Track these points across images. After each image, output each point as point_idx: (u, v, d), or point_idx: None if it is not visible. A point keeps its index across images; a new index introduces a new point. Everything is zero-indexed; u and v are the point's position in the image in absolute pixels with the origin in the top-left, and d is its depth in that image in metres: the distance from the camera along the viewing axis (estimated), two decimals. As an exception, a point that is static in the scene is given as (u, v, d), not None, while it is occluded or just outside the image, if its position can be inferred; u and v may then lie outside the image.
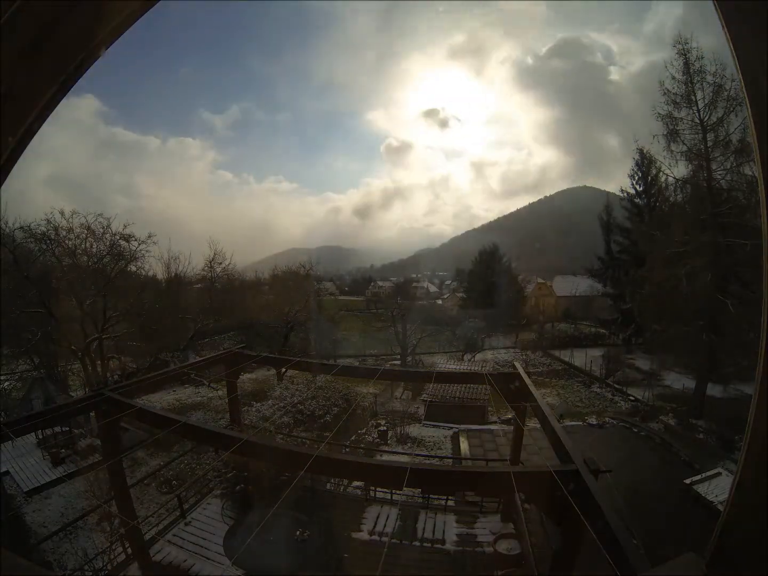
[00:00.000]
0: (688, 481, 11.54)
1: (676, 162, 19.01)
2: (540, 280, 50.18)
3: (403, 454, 14.21)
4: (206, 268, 27.92)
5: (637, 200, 30.08)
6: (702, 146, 18.01)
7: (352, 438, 15.21)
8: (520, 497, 5.42)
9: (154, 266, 26.14)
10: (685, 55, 18.33)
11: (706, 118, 17.82)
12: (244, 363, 8.56)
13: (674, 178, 19.61)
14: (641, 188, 29.86)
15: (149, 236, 22.82)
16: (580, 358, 29.37)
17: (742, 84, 0.90)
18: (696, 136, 18.17)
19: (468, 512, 7.83)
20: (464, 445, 15.66)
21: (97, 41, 1.11)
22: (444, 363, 22.35)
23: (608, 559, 2.47)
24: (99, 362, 21.19)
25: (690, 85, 18.23)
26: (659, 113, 19.07)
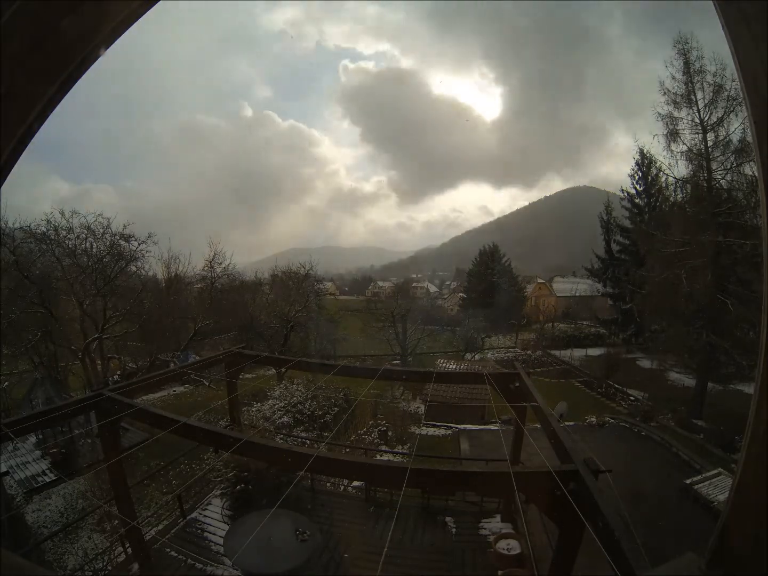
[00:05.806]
0: (688, 481, 11.55)
1: (676, 162, 19.02)
2: (540, 280, 50.23)
3: (403, 454, 14.19)
4: (206, 268, 27.98)
5: (637, 200, 30.15)
6: (702, 146, 18.01)
7: (352, 438, 15.20)
8: (520, 497, 5.41)
9: (154, 266, 26.23)
10: (685, 54, 18.34)
11: (706, 118, 17.82)
12: (244, 363, 8.53)
13: (674, 178, 19.61)
14: (641, 188, 29.93)
15: (149, 236, 22.92)
16: (580, 358, 29.43)
17: (742, 84, 0.90)
18: (696, 136, 18.19)
19: (468, 512, 7.84)
20: (464, 445, 15.66)
21: (97, 41, 1.12)
22: (444, 363, 22.32)
23: (608, 559, 2.47)
24: (99, 362, 21.22)
25: (690, 85, 18.23)
26: (659, 113, 19.11)
